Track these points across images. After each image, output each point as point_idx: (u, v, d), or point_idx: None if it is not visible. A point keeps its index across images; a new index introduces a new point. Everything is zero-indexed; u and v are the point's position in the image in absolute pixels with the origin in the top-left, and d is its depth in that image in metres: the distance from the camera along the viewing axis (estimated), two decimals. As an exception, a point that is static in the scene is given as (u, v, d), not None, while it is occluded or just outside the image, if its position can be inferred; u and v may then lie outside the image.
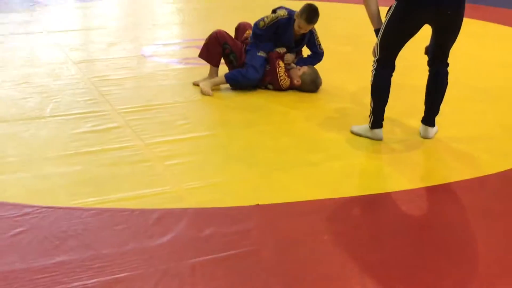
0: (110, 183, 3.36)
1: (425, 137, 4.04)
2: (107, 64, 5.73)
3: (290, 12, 5.00)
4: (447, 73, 3.97)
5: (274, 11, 5.10)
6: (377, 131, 3.99)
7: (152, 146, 3.85)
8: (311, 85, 5.00)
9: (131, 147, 3.85)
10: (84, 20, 7.94)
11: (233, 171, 3.55)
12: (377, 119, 3.97)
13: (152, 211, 3.04)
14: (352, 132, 4.10)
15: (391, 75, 3.92)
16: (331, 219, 3.04)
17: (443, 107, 4.06)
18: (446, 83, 3.99)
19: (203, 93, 4.87)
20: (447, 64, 3.96)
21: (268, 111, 4.59)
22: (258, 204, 3.13)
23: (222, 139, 4.04)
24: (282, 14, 5.00)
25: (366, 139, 4.01)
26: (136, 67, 5.67)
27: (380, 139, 3.98)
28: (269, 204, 3.15)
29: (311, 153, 3.83)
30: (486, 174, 3.54)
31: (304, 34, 5.05)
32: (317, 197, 3.23)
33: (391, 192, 3.32)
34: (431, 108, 4.03)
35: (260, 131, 4.20)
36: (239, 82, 4.95)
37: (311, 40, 5.13)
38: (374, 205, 3.22)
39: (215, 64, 5.12)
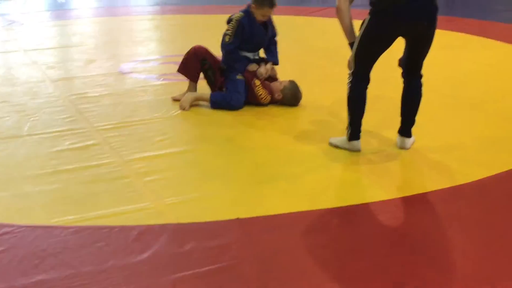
0: (89, 200, 3.35)
1: (402, 147, 4.09)
2: (85, 81, 5.72)
3: (245, 11, 5.00)
4: (421, 84, 4.03)
5: (229, 21, 5.10)
6: (355, 142, 4.03)
7: (131, 163, 3.86)
8: (292, 99, 5.03)
9: (109, 164, 3.85)
10: (61, 38, 7.92)
11: (212, 186, 3.56)
12: (354, 131, 4.01)
13: (132, 227, 3.04)
14: (330, 144, 4.13)
15: (367, 88, 3.97)
16: (310, 231, 3.06)
17: (418, 117, 4.11)
18: (421, 94, 4.05)
19: (181, 107, 4.89)
20: (421, 75, 4.02)
21: (246, 126, 4.62)
22: (238, 218, 3.14)
23: (201, 154, 4.05)
24: (239, 16, 4.99)
25: (344, 150, 4.05)
26: (114, 84, 5.67)
27: (358, 151, 4.02)
28: (249, 218, 3.16)
29: (289, 166, 3.86)
30: (461, 183, 3.59)
31: (266, 25, 5.06)
32: (296, 209, 3.25)
33: (369, 202, 3.36)
34: (406, 119, 4.09)
35: (238, 145, 4.22)
36: (223, 108, 4.92)
37: (271, 26, 5.14)
38: (353, 216, 3.25)
39: (193, 79, 5.14)
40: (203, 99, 5.01)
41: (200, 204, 3.34)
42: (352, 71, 3.94)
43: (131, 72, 6.06)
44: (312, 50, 7.07)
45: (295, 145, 4.19)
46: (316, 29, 8.12)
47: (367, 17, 3.82)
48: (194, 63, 5.08)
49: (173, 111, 4.89)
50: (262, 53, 5.22)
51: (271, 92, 4.98)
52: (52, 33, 8.22)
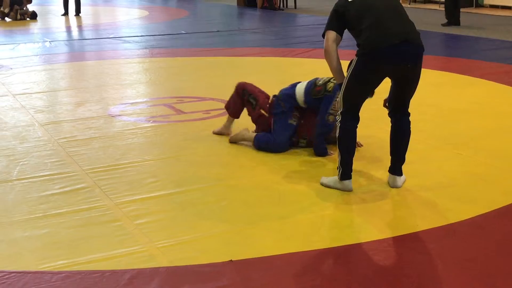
0: (80, 244, 3.32)
1: (394, 186, 4.09)
2: (74, 125, 5.71)
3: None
4: (409, 122, 4.06)
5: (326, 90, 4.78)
6: (346, 182, 4.03)
7: (122, 206, 3.83)
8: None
9: (100, 207, 3.82)
10: (50, 82, 7.93)
11: (205, 227, 3.53)
12: (345, 171, 4.01)
13: (124, 271, 3.00)
14: (322, 184, 4.13)
15: (356, 127, 4.00)
16: (304, 272, 3.04)
17: (408, 155, 4.13)
18: (409, 132, 4.08)
19: (231, 140, 5.07)
20: (409, 114, 4.06)
21: (236, 166, 4.61)
22: (231, 260, 3.12)
23: (192, 196, 4.03)
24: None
25: (336, 190, 4.04)
26: (104, 126, 5.67)
27: (349, 190, 4.02)
28: (242, 260, 3.14)
29: (281, 206, 3.84)
30: (453, 221, 3.59)
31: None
32: (289, 250, 3.23)
33: (363, 242, 3.34)
34: (397, 157, 4.10)
35: (229, 185, 4.21)
36: (267, 149, 4.82)
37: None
38: (347, 256, 3.23)
39: (234, 116, 5.23)
40: (245, 139, 5.01)
41: (193, 246, 3.31)
42: (341, 111, 3.97)
43: (121, 115, 6.06)
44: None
45: (286, 185, 4.18)
46: (304, 69, 8.19)
47: (354, 58, 3.87)
48: (236, 98, 5.16)
49: (163, 154, 4.88)
50: None
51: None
52: (41, 77, 8.23)
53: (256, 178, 4.36)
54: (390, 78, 3.92)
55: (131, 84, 7.59)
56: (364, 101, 3.96)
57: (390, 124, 4.09)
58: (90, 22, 15.12)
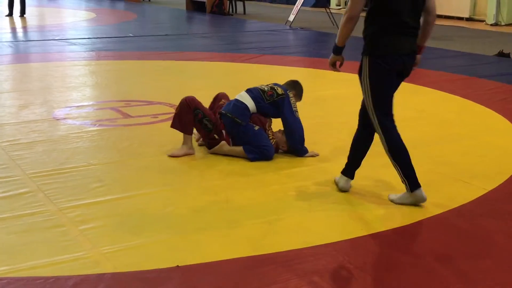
0: (23, 250, 3.24)
1: (347, 188, 4.14)
2: (17, 128, 5.58)
3: (285, 90, 4.97)
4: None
5: (274, 95, 4.92)
6: (418, 192, 3.88)
7: (66, 211, 3.76)
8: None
9: (43, 212, 3.74)
10: (-8, 83, 7.73)
11: (151, 233, 3.50)
12: (412, 180, 3.88)
13: (67, 278, 2.95)
14: (393, 202, 3.97)
15: (397, 130, 3.93)
16: (252, 277, 3.04)
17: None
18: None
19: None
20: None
21: (184, 171, 4.59)
22: (177, 266, 3.10)
23: (138, 201, 3.99)
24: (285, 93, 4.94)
25: (282, 195, 4.06)
26: (48, 130, 5.55)
27: (424, 201, 3.89)
28: (189, 265, 3.12)
29: (229, 211, 3.84)
30: (396, 226, 3.66)
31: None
32: (236, 255, 3.23)
33: (309, 247, 3.36)
34: (358, 162, 4.13)
35: (176, 190, 4.18)
36: (265, 157, 4.79)
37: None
38: (296, 260, 3.25)
39: (188, 133, 4.89)
40: (233, 154, 4.85)
41: (139, 252, 3.27)
42: (377, 123, 3.86)
43: (66, 118, 5.95)
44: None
45: (236, 190, 4.18)
46: (252, 75, 8.22)
47: (365, 67, 3.81)
48: (187, 116, 4.82)
49: (109, 158, 4.82)
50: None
51: (277, 144, 4.93)
52: (-17, 78, 8.02)
53: (204, 183, 4.34)
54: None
55: (76, 87, 7.46)
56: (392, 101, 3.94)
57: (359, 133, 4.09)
58: (35, 23, 14.81)
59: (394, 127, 3.92)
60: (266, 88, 4.98)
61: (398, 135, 3.91)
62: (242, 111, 4.89)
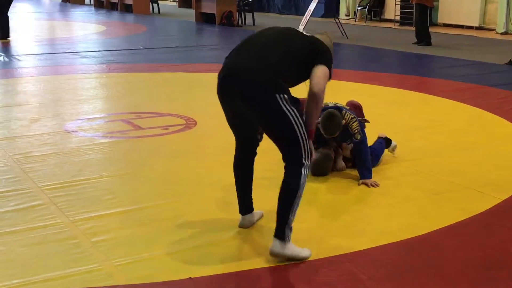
0: (35, 263, 3.25)
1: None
2: (29, 140, 5.61)
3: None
4: (289, 174, 3.38)
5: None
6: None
7: (78, 223, 3.77)
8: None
9: (56, 224, 3.75)
10: (4, 97, 7.78)
11: (163, 244, 3.50)
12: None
13: (80, 290, 2.95)
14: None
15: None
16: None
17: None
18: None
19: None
20: (290, 164, 3.38)
21: (195, 182, 4.59)
22: (190, 278, 3.09)
23: (150, 213, 3.99)
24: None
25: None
26: (60, 142, 5.58)
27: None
28: (202, 277, 3.12)
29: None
30: (410, 237, 3.64)
31: None
32: (250, 267, 3.22)
33: (329, 256, 3.35)
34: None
35: (188, 202, 4.18)
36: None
37: None
38: (309, 271, 3.23)
39: None
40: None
41: (151, 264, 3.27)
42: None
43: (77, 131, 5.98)
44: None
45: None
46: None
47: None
48: None
49: (120, 170, 4.83)
50: None
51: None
52: (-6, 92, 8.08)
53: (214, 194, 4.34)
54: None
55: (88, 100, 7.50)
56: (244, 137, 3.59)
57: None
58: (46, 37, 14.91)
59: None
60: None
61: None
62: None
